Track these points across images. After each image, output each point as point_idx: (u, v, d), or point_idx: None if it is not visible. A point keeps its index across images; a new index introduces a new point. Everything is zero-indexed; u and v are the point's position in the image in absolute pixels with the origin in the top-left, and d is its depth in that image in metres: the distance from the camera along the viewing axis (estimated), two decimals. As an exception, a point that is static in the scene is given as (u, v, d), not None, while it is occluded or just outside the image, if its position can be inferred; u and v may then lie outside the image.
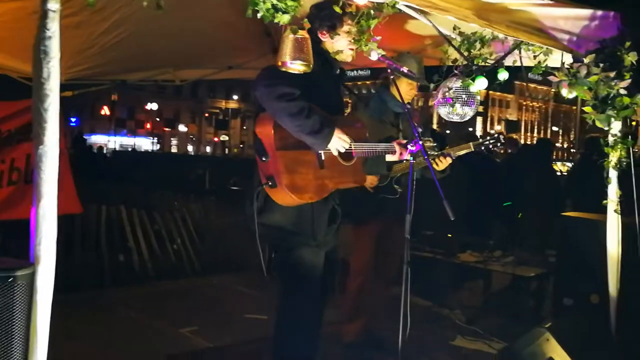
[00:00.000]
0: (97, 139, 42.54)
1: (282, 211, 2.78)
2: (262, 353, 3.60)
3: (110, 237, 5.53)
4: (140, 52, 4.48)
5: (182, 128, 61.00)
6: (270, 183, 2.67)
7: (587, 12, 3.37)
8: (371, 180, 3.48)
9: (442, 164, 3.35)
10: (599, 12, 3.40)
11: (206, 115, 63.48)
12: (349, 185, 2.93)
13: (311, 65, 2.42)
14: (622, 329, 3.60)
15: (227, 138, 58.27)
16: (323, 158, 2.75)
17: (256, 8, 2.27)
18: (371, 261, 3.63)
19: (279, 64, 2.42)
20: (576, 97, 3.55)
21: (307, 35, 2.39)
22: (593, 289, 3.90)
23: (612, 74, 3.29)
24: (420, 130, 2.90)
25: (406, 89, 3.53)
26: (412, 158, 2.79)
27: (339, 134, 2.70)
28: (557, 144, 66.69)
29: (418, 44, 4.11)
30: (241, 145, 65.43)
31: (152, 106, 49.33)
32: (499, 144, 3.51)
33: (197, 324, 4.28)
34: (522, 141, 63.06)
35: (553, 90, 3.63)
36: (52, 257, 1.50)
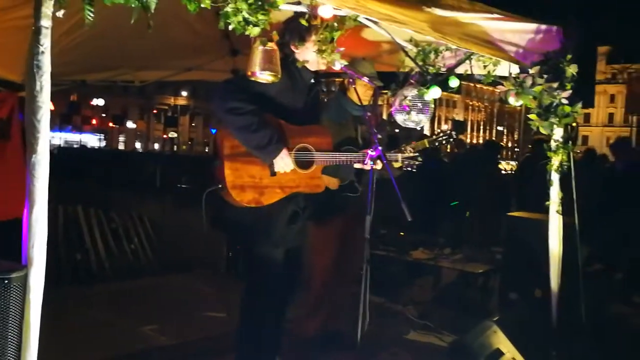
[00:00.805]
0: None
1: (238, 211, 2.95)
2: (223, 349, 3.70)
3: (67, 237, 5.51)
4: (101, 54, 4.50)
5: (130, 125, 59.78)
6: (219, 186, 2.91)
7: (532, 26, 3.61)
8: (333, 183, 3.63)
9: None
10: (543, 27, 3.64)
11: (154, 111, 62.47)
12: (304, 191, 3.09)
13: (279, 75, 2.56)
14: (562, 320, 3.87)
15: (176, 135, 57.56)
16: (275, 168, 2.92)
17: (228, 21, 2.38)
18: (333, 260, 3.78)
19: (249, 73, 2.55)
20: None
21: (275, 47, 2.53)
22: (536, 284, 4.18)
23: (555, 85, 3.54)
24: (379, 136, 3.06)
25: (363, 92, 3.70)
26: (372, 162, 2.97)
27: (284, 156, 2.89)
28: (502, 144, 68.53)
29: (374, 51, 4.30)
30: (190, 143, 64.74)
31: (98, 102, 48.19)
32: (451, 140, 3.70)
33: (157, 322, 4.33)
34: (469, 141, 64.67)
35: (498, 92, 3.89)
36: (43, 259, 1.59)
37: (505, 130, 79.39)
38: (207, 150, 58.30)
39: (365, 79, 3.05)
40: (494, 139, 64.37)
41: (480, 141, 66.65)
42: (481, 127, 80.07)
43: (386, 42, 4.05)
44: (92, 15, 1.70)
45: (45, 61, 1.61)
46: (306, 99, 3.14)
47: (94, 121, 50.95)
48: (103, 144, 49.83)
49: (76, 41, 4.12)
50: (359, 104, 3.60)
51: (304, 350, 3.76)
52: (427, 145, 3.65)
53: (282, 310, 3.27)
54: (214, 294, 5.19)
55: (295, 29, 2.95)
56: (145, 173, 15.63)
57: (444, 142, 3.70)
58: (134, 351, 3.81)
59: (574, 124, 3.85)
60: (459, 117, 71.76)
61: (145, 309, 4.70)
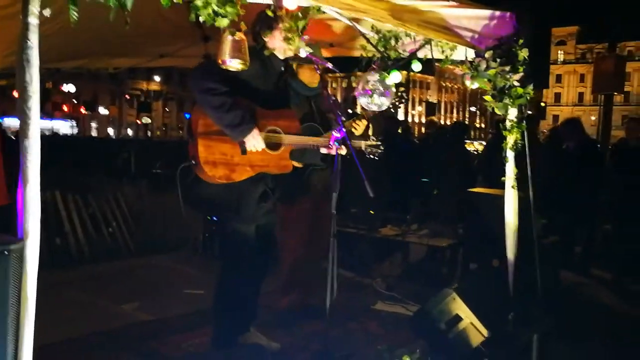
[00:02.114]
0: (10, 122, 40.55)
1: (211, 187, 3.17)
2: (202, 323, 3.93)
3: (46, 222, 5.64)
4: (76, 42, 4.61)
5: (102, 110, 59.04)
6: (193, 162, 3.11)
7: (486, 12, 3.82)
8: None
9: (360, 127, 3.77)
10: (497, 13, 3.85)
11: (127, 97, 61.73)
12: (272, 171, 3.31)
13: (247, 64, 2.75)
14: (518, 288, 4.16)
15: (149, 120, 57.06)
16: (246, 146, 3.12)
17: (198, 13, 2.56)
18: (304, 237, 4.01)
19: (219, 61, 2.73)
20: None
21: (244, 37, 2.71)
22: (495, 255, 4.46)
23: (508, 68, 3.77)
24: (343, 118, 3.27)
25: (310, 75, 3.91)
26: (337, 145, 3.19)
27: (255, 135, 3.08)
28: (470, 124, 69.41)
29: (338, 37, 4.51)
30: (163, 128, 64.26)
31: (69, 88, 47.47)
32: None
33: (138, 301, 4.53)
34: (442, 122, 65.22)
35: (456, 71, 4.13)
36: (37, 233, 1.79)
37: (477, 111, 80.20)
38: (181, 135, 58.01)
39: (330, 65, 3.27)
40: (461, 120, 65.04)
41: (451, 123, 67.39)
42: (454, 108, 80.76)
43: (349, 28, 4.26)
44: (76, 15, 1.87)
45: (34, 55, 1.79)
46: (276, 85, 3.36)
47: (65, 107, 50.30)
48: (75, 130, 49.20)
49: (52, 29, 4.24)
50: (310, 86, 3.86)
51: (278, 321, 3.99)
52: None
53: (256, 284, 3.49)
54: (191, 273, 5.40)
55: (264, 19, 3.15)
56: (120, 159, 15.63)
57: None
58: (116, 327, 3.99)
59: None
60: (433, 98, 72.29)
61: (125, 289, 4.88)
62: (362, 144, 3.66)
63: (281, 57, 3.30)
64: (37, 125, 1.77)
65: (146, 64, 6.11)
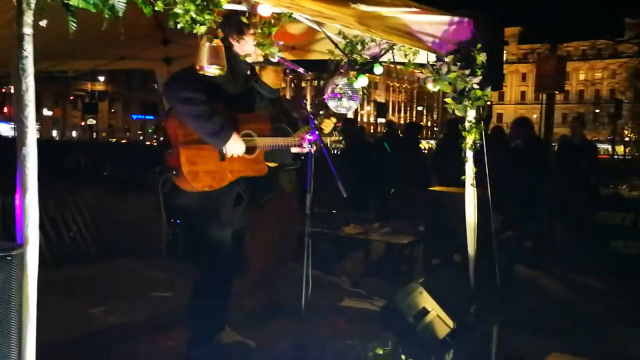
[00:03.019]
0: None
1: (190, 196, 3.22)
2: (174, 325, 3.96)
3: (4, 229, 5.52)
4: (36, 45, 4.56)
5: (46, 112, 57.21)
6: (175, 172, 3.14)
7: (446, 18, 4.01)
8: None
9: (328, 126, 3.86)
10: (456, 19, 4.04)
11: (71, 98, 60.03)
12: (250, 175, 3.38)
13: (225, 69, 2.82)
14: (478, 281, 4.36)
15: (94, 122, 55.65)
16: (224, 152, 3.19)
17: (177, 20, 2.62)
18: (273, 237, 4.09)
19: (197, 67, 2.80)
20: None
21: (221, 44, 2.79)
22: (456, 251, 4.66)
23: (467, 71, 3.97)
24: (316, 121, 3.39)
25: (273, 77, 4.01)
26: (310, 146, 3.29)
27: (237, 140, 3.16)
28: (422, 123, 70.51)
29: (296, 41, 4.63)
30: (110, 129, 62.78)
31: (10, 89, 45.80)
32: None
33: (105, 305, 4.50)
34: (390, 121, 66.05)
35: (418, 72, 4.30)
36: (36, 239, 1.83)
37: (424, 111, 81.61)
38: (128, 136, 56.89)
39: (301, 70, 3.37)
40: (414, 120, 66.12)
41: (402, 122, 68.45)
42: (402, 108, 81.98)
43: (309, 31, 4.37)
44: (75, 25, 1.92)
45: (29, 64, 1.83)
46: (244, 88, 3.43)
47: (5, 109, 48.50)
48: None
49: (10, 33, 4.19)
50: (273, 88, 3.96)
51: (249, 321, 4.06)
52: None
53: (231, 284, 3.56)
54: (156, 276, 5.38)
55: (233, 24, 3.21)
56: (70, 161, 15.31)
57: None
58: (87, 331, 3.98)
59: (488, 103, 4.32)
60: (381, 98, 73.18)
61: (91, 293, 4.83)
62: (328, 140, 3.77)
63: (250, 61, 3.37)
64: (34, 133, 1.81)
65: (106, 67, 6.08)
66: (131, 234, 6.29)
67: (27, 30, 1.83)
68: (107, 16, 2.02)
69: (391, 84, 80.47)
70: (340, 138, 3.81)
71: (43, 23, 1.87)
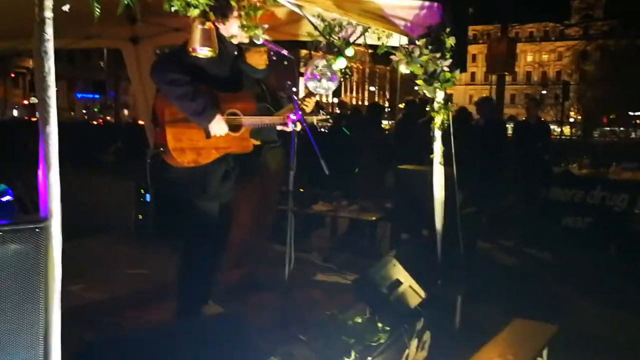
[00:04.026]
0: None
1: (179, 171, 3.35)
2: (153, 300, 4.07)
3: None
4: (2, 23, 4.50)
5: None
6: (162, 149, 3.27)
7: (417, 2, 4.17)
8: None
9: (310, 104, 4.03)
10: (427, 3, 4.20)
11: (12, 75, 57.80)
12: (235, 151, 3.52)
13: (217, 51, 2.93)
14: (445, 253, 4.61)
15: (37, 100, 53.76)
16: (210, 131, 3.30)
17: (171, 3, 2.70)
18: (254, 213, 4.23)
19: (190, 49, 2.89)
20: (389, 59, 4.34)
21: (212, 27, 2.88)
22: (424, 226, 4.89)
23: (438, 55, 4.16)
24: (299, 102, 3.52)
25: (257, 58, 4.13)
26: (294, 125, 3.43)
27: (219, 120, 3.28)
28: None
29: (276, 22, 4.72)
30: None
31: (-52, 66, 43.85)
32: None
33: (83, 282, 4.54)
34: (344, 101, 66.29)
35: (370, 51, 4.47)
36: (59, 213, 1.95)
37: (377, 91, 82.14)
38: (72, 115, 55.31)
39: (285, 52, 3.49)
40: (376, 101, 66.49)
41: (354, 102, 68.83)
42: (354, 88, 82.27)
43: (288, 14, 4.47)
44: (99, 9, 1.99)
45: (50, 47, 1.90)
46: (230, 69, 3.54)
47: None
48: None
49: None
50: (258, 68, 4.08)
51: (231, 294, 4.19)
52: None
53: (217, 258, 3.69)
54: (130, 254, 5.44)
55: (219, 7, 3.30)
56: (20, 142, 14.94)
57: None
58: (70, 306, 4.01)
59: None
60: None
61: (66, 271, 4.85)
62: (314, 119, 3.92)
63: (236, 42, 3.47)
64: (55, 112, 1.90)
65: (71, 45, 6.00)
66: (98, 213, 6.30)
67: (48, 13, 1.91)
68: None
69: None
70: (328, 117, 3.95)
71: (66, 8, 1.95)
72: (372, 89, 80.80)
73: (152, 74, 3.24)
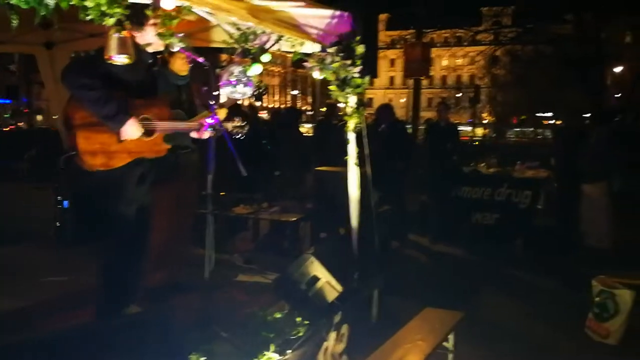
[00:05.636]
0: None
1: (95, 175, 3.41)
2: (75, 306, 4.06)
3: None
4: None
5: None
6: (74, 152, 3.35)
7: (328, 12, 4.37)
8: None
9: (221, 114, 4.13)
10: (337, 12, 4.42)
11: None
12: (148, 155, 3.60)
13: (133, 58, 3.01)
14: (361, 249, 4.84)
15: (-57, 107, 50.73)
16: (122, 134, 3.38)
17: (87, 12, 2.78)
18: (172, 217, 4.29)
19: (106, 57, 2.96)
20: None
21: (128, 35, 2.96)
22: (340, 224, 5.11)
23: (349, 62, 4.40)
24: (216, 107, 3.63)
25: (180, 64, 4.24)
26: (211, 130, 3.55)
27: (133, 124, 3.36)
28: (298, 107, 71.37)
29: (190, 29, 4.82)
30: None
31: None
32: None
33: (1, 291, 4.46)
34: (266, 105, 66.39)
35: (291, 58, 4.66)
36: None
37: (299, 94, 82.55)
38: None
39: (201, 59, 3.60)
40: (293, 105, 66.77)
41: (276, 105, 68.97)
42: (277, 92, 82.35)
43: (201, 21, 4.58)
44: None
45: None
46: (145, 75, 3.62)
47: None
48: None
49: None
50: (180, 75, 4.19)
51: (152, 297, 4.24)
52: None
53: (136, 262, 3.74)
54: (50, 261, 5.35)
55: (133, 15, 3.37)
56: None
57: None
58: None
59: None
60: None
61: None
62: (229, 126, 4.05)
63: (152, 51, 3.56)
64: None
65: (-19, 50, 5.85)
66: (15, 222, 6.15)
67: None
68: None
69: (265, 68, 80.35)
70: (244, 123, 4.10)
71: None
72: (294, 92, 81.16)
73: (64, 78, 3.30)
